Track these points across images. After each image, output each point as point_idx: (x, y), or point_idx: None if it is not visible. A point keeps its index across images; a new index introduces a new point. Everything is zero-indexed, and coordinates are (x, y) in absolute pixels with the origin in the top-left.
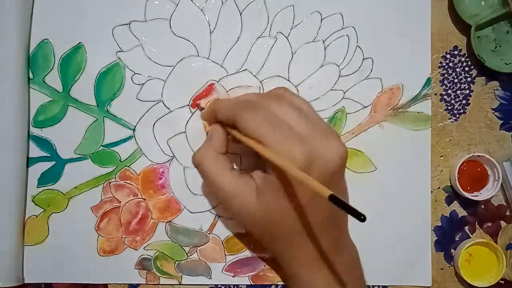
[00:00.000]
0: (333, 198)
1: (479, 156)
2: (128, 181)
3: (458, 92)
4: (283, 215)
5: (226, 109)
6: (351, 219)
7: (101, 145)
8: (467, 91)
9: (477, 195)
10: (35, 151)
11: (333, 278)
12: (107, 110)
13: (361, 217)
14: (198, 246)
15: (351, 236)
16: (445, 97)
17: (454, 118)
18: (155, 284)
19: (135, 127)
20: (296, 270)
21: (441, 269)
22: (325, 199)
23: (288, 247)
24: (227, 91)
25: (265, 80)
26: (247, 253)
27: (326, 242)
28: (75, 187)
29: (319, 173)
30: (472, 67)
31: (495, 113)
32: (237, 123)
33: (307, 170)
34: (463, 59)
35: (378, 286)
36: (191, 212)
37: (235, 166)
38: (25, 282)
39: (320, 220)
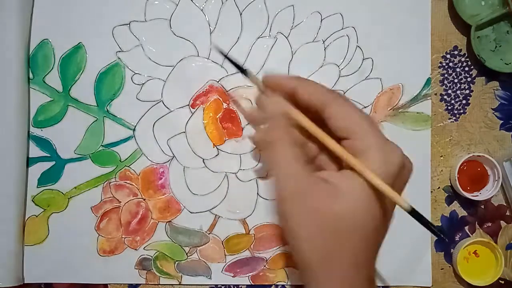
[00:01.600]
0: (414, 213)
1: (479, 156)
2: (128, 181)
3: (458, 92)
4: (361, 223)
5: (318, 90)
6: None
7: (101, 145)
8: (467, 91)
9: (477, 195)
10: (35, 151)
11: None
12: (107, 110)
13: (440, 235)
14: (198, 246)
15: None
16: (445, 97)
17: (454, 118)
18: (155, 284)
19: (135, 127)
20: None
21: (441, 269)
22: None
23: (339, 270)
24: (227, 91)
25: None
26: (247, 253)
27: (373, 269)
28: (75, 187)
29: (403, 181)
30: (472, 67)
31: (495, 113)
32: (331, 109)
33: (398, 174)
34: (463, 59)
35: (378, 286)
36: (191, 212)
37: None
38: (25, 282)
39: (383, 239)
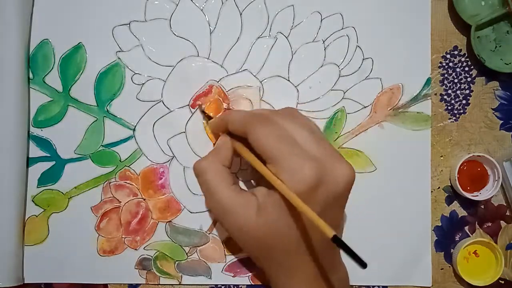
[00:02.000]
0: (336, 240)
1: (479, 156)
2: (128, 181)
3: (458, 92)
4: (283, 234)
5: (239, 120)
6: (345, 227)
7: (101, 145)
8: (467, 91)
9: (477, 195)
10: (35, 151)
11: None
12: (107, 110)
13: (363, 265)
14: (198, 246)
15: (352, 236)
16: (445, 97)
17: (454, 118)
18: (155, 284)
19: (135, 127)
20: None
21: (441, 269)
22: (326, 220)
23: (285, 267)
24: (227, 91)
25: (265, 80)
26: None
27: (323, 264)
28: (75, 187)
29: (326, 194)
30: (472, 67)
31: (495, 113)
32: (248, 135)
33: (315, 189)
34: (463, 59)
35: (378, 286)
36: (191, 212)
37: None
38: (25, 282)
39: (319, 241)
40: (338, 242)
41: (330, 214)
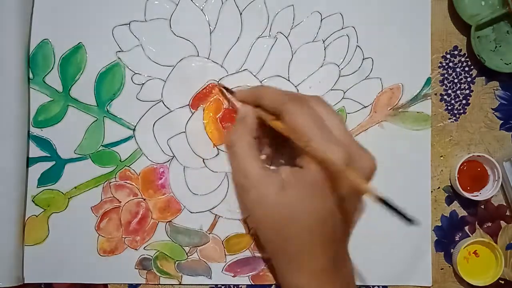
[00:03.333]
0: (383, 201)
1: (479, 156)
2: (128, 181)
3: (458, 92)
4: (300, 217)
5: (275, 97)
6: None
7: (101, 145)
8: (467, 91)
9: (477, 195)
10: (35, 151)
11: None
12: (107, 110)
13: (409, 221)
14: (198, 246)
15: (353, 236)
16: (445, 97)
17: (454, 118)
18: (155, 284)
19: (135, 127)
20: (299, 281)
21: (441, 269)
22: (350, 205)
23: (295, 253)
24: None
25: (265, 80)
26: (247, 253)
27: (334, 254)
28: (75, 187)
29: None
30: (472, 67)
31: (495, 113)
32: (284, 113)
33: (343, 173)
34: (463, 59)
35: (378, 286)
36: (191, 212)
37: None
38: (25, 282)
39: (338, 228)
40: (385, 202)
41: (353, 200)
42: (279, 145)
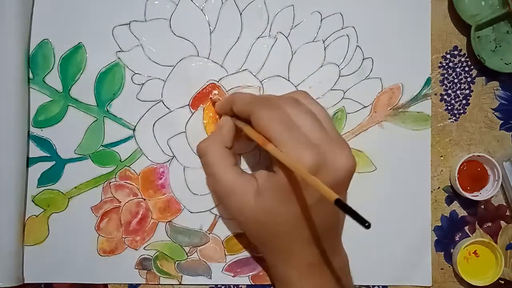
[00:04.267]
0: (339, 203)
1: (479, 156)
2: (128, 181)
3: (458, 92)
4: (281, 217)
5: (244, 102)
6: (346, 227)
7: (101, 145)
8: (467, 91)
9: (477, 195)
10: (35, 151)
11: (323, 285)
12: (107, 110)
13: (365, 224)
14: (198, 246)
15: (352, 236)
16: (445, 97)
17: (454, 118)
18: (155, 284)
19: (135, 127)
20: (287, 274)
21: (441, 269)
22: (328, 206)
23: (281, 252)
24: (227, 91)
25: (265, 80)
26: (247, 253)
27: (321, 250)
28: (75, 187)
29: (324, 182)
30: (472, 67)
31: (495, 113)
32: (252, 118)
33: (314, 173)
34: (463, 59)
35: (378, 286)
36: (191, 212)
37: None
38: (25, 282)
39: (318, 227)
40: (340, 204)
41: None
42: (261, 150)
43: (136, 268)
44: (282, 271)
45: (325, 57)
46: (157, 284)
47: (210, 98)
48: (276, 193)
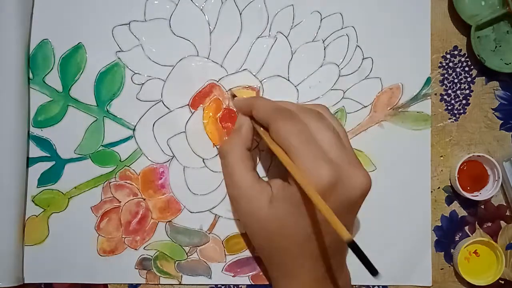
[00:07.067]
0: (352, 245)
1: (479, 156)
2: (128, 181)
3: (458, 92)
4: (291, 229)
5: (265, 109)
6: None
7: (101, 145)
8: (467, 91)
9: (477, 195)
10: (35, 151)
11: None
12: (107, 110)
13: (375, 274)
14: (198, 246)
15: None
16: (445, 97)
17: (454, 118)
18: (155, 284)
19: (135, 127)
20: None
21: (441, 269)
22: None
23: (288, 263)
24: (227, 91)
25: (264, 80)
26: (247, 253)
27: (328, 266)
28: (75, 187)
29: (339, 200)
30: (472, 67)
31: (495, 113)
32: (271, 128)
33: (328, 193)
34: (463, 59)
35: (378, 286)
36: (191, 212)
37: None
38: (25, 282)
39: (327, 243)
40: (354, 247)
41: (341, 220)
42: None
43: (136, 268)
44: (285, 285)
45: (325, 57)
46: (157, 284)
47: (228, 90)
48: (289, 205)
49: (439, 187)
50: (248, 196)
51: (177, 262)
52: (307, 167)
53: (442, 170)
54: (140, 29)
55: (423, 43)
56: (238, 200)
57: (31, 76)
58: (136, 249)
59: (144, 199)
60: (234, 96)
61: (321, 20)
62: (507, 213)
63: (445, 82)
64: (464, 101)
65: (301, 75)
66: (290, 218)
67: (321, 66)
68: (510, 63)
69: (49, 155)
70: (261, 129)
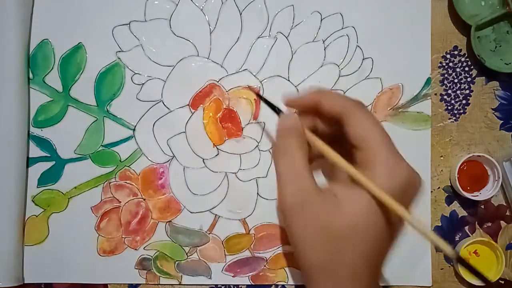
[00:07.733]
0: (462, 261)
1: (479, 156)
2: (128, 181)
3: (458, 92)
4: (358, 239)
5: (336, 101)
6: None
7: (101, 145)
8: (467, 91)
9: (477, 195)
10: (35, 151)
11: None
12: (107, 110)
13: (488, 283)
14: (198, 246)
15: None
16: (445, 97)
17: (454, 118)
18: (155, 284)
19: (135, 127)
20: None
21: (441, 269)
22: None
23: (342, 278)
24: (227, 91)
25: (265, 80)
26: (247, 253)
27: (375, 280)
28: (75, 187)
29: (410, 198)
30: (472, 67)
31: (495, 113)
32: (349, 118)
33: (405, 190)
34: (463, 59)
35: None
36: (191, 212)
37: None
38: (25, 282)
39: (384, 257)
40: (464, 263)
41: (398, 227)
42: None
43: (136, 268)
44: None
45: (325, 57)
46: (157, 284)
47: (250, 86)
48: (359, 214)
49: (439, 187)
50: (310, 204)
51: (177, 262)
52: (391, 161)
53: (442, 170)
54: (140, 29)
55: (423, 43)
56: (296, 207)
57: (31, 76)
58: (136, 249)
59: (144, 199)
60: (258, 93)
61: (321, 20)
62: (507, 213)
63: (445, 82)
64: (464, 101)
65: (301, 75)
66: (360, 227)
67: (321, 66)
68: (510, 63)
69: (49, 155)
70: (313, 136)
